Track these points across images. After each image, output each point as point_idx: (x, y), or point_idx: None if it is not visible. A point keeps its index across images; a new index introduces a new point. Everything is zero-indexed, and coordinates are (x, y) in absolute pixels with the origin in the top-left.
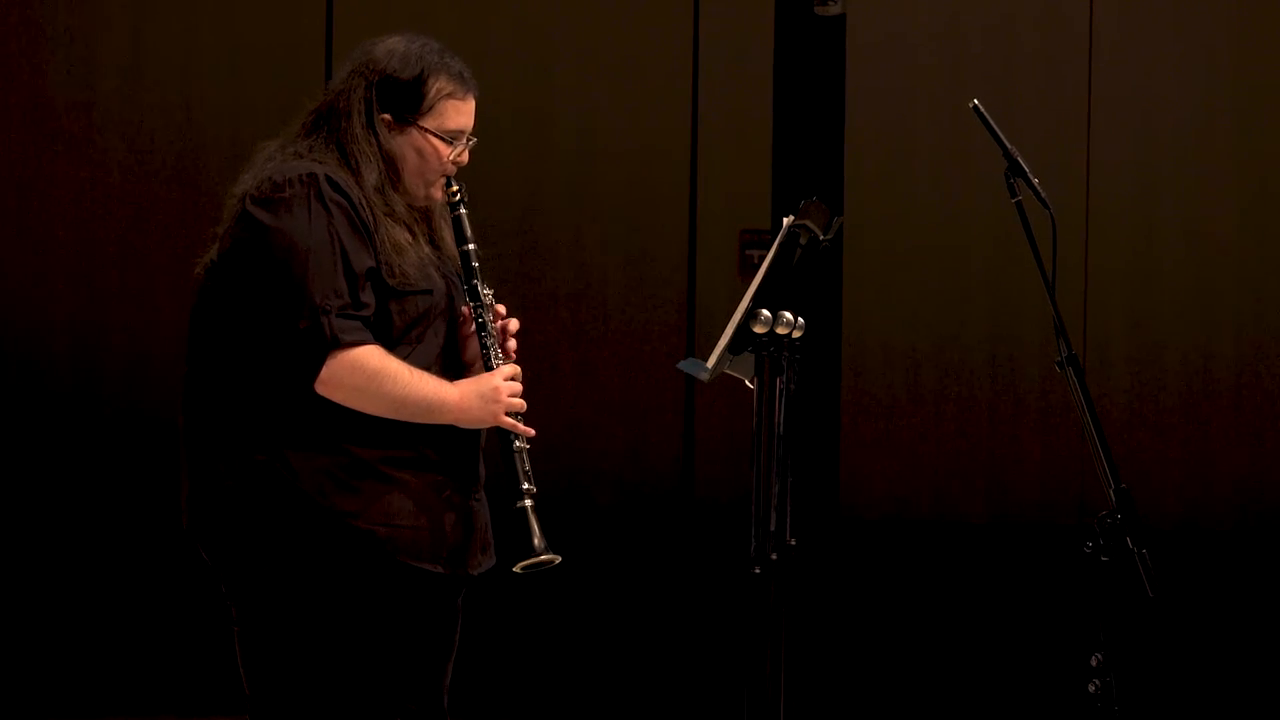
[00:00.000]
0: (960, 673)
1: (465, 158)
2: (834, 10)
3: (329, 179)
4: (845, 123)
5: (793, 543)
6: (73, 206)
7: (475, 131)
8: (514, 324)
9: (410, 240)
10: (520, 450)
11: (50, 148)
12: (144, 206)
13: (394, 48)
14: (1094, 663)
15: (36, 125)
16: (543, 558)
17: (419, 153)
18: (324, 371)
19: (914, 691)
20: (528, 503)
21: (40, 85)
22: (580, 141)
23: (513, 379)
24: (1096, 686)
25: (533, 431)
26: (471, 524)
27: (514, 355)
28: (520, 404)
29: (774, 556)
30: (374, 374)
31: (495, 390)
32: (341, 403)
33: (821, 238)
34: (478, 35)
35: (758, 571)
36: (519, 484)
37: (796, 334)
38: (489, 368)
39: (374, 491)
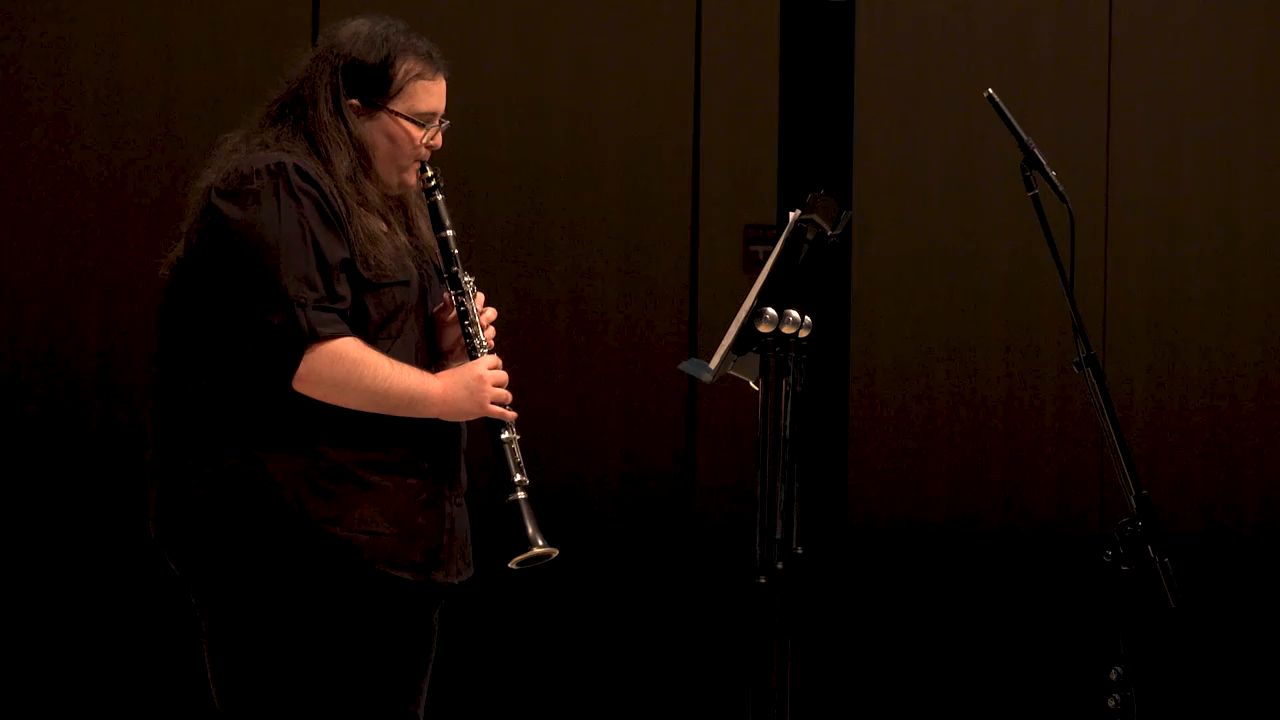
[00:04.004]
0: (974, 687)
1: (439, 141)
2: None
3: (298, 168)
4: (854, 114)
5: (799, 551)
6: (48, 203)
7: (469, 123)
8: (491, 313)
9: (386, 229)
10: (510, 441)
11: (26, 142)
12: (121, 202)
13: (358, 30)
14: (1114, 676)
15: (11, 118)
16: (538, 551)
17: (390, 138)
18: (302, 367)
19: (926, 705)
20: (520, 495)
21: (15, 79)
22: (579, 134)
23: (495, 368)
24: (1116, 701)
25: (514, 415)
26: (451, 530)
27: (492, 343)
28: (506, 394)
29: (780, 565)
30: (354, 366)
31: (480, 380)
32: (321, 399)
33: (829, 233)
34: (473, 23)
35: (763, 581)
36: (510, 476)
37: (803, 333)
38: (472, 356)
39: (351, 497)
